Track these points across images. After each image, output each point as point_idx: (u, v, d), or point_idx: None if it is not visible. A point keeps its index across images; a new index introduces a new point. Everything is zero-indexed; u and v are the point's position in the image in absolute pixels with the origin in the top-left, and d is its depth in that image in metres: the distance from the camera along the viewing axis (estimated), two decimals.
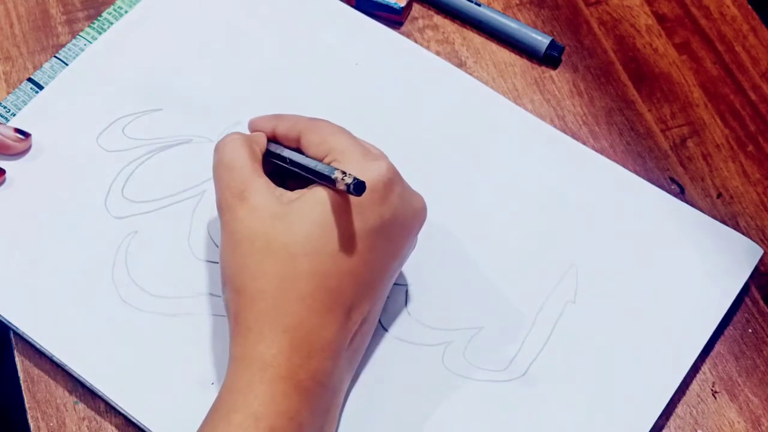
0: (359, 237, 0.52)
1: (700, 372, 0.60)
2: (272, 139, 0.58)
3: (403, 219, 0.54)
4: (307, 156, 0.55)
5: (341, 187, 0.50)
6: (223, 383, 0.51)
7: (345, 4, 0.71)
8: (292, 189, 0.55)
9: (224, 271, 0.53)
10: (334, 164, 0.53)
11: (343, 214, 0.52)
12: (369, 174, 0.52)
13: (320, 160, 0.54)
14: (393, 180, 0.53)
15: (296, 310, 0.51)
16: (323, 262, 0.51)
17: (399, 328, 0.59)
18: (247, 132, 0.59)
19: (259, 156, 0.56)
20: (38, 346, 0.57)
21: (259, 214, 0.52)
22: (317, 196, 0.52)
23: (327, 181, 0.51)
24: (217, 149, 0.56)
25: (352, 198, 0.51)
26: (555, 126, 0.68)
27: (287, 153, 0.56)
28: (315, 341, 0.51)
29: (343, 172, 0.50)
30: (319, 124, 0.56)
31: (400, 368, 0.58)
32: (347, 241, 0.52)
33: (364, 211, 0.52)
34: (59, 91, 0.66)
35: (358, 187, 0.50)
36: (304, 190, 0.53)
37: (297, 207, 0.52)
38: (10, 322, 0.58)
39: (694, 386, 0.60)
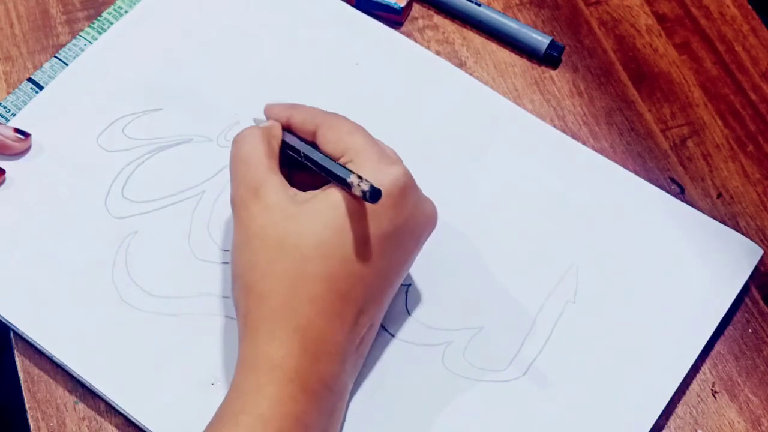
0: (372, 242, 0.51)
1: (700, 372, 0.60)
2: (287, 128, 0.57)
3: (414, 225, 0.54)
4: (322, 153, 0.54)
5: (357, 192, 0.50)
6: (231, 383, 0.51)
7: (345, 3, 0.71)
8: (302, 179, 0.55)
9: (235, 268, 0.53)
10: (349, 165, 0.53)
11: (357, 218, 0.51)
12: (385, 178, 0.52)
13: (335, 159, 0.53)
14: (408, 186, 0.53)
15: (306, 311, 0.51)
16: (334, 266, 0.51)
17: (399, 328, 0.59)
18: (250, 125, 0.59)
19: (276, 151, 0.55)
20: (38, 346, 0.57)
21: (272, 213, 0.52)
22: (331, 198, 0.51)
23: (342, 183, 0.51)
24: (235, 143, 0.55)
25: (367, 203, 0.51)
26: (555, 126, 0.68)
27: (302, 147, 0.55)
28: (324, 344, 0.51)
29: (360, 177, 0.50)
30: (337, 120, 0.56)
31: (400, 368, 0.58)
32: (360, 245, 0.51)
33: (377, 216, 0.52)
34: (59, 91, 0.66)
35: (374, 195, 0.49)
36: (319, 191, 0.53)
37: (310, 208, 0.52)
38: (10, 322, 0.58)
39: (694, 386, 0.60)
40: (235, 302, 0.53)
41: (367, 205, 0.51)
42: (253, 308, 0.51)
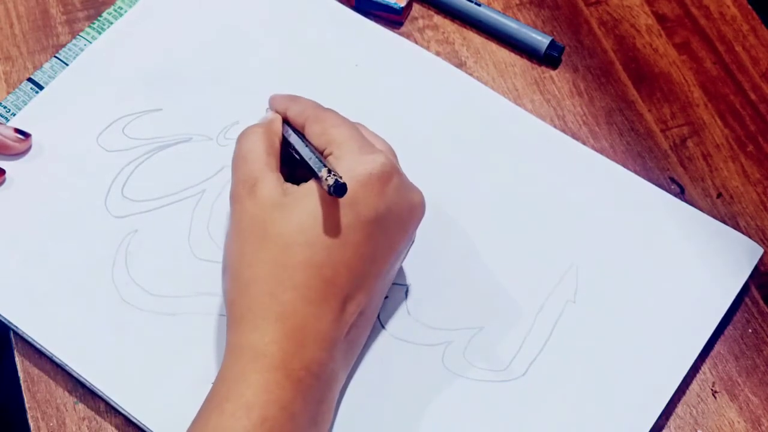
0: (353, 228, 0.52)
1: (700, 372, 0.60)
2: (285, 120, 0.58)
3: (398, 212, 0.54)
4: (308, 145, 0.55)
5: (324, 187, 0.51)
6: (218, 373, 0.51)
7: (344, 5, 0.71)
8: (301, 173, 0.55)
9: (225, 260, 0.55)
10: (330, 158, 0.54)
11: (336, 206, 0.52)
12: (363, 167, 0.53)
13: (321, 151, 0.55)
14: (388, 173, 0.53)
15: (290, 298, 0.51)
16: (317, 252, 0.52)
17: (399, 327, 0.59)
18: (254, 123, 0.59)
19: (277, 148, 0.57)
20: (38, 346, 0.57)
21: (262, 206, 0.53)
22: (314, 187, 0.53)
23: (316, 177, 0.52)
24: (238, 140, 0.57)
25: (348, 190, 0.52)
26: (555, 126, 0.68)
27: (293, 140, 0.56)
28: (309, 331, 0.51)
29: (329, 171, 0.51)
30: (324, 114, 0.57)
31: (400, 368, 0.58)
32: (340, 232, 0.52)
33: (358, 203, 0.52)
34: (59, 91, 0.66)
35: (338, 189, 0.50)
36: (305, 183, 0.54)
37: (295, 198, 0.53)
38: (10, 322, 0.58)
39: (694, 386, 0.60)
40: (224, 292, 0.54)
41: (349, 192, 0.51)
42: (238, 297, 0.52)
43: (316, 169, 0.52)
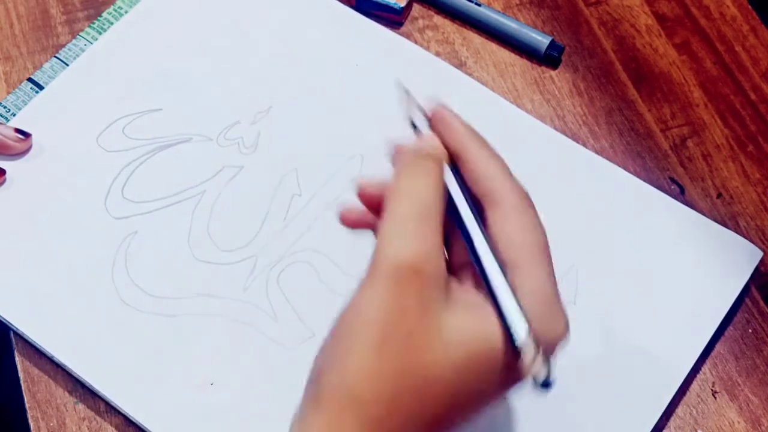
0: (500, 388, 0.43)
1: (700, 372, 0.60)
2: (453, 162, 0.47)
3: None
4: (490, 247, 0.43)
5: (524, 369, 0.41)
6: None
7: (345, 5, 0.71)
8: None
9: (335, 338, 0.43)
10: (509, 276, 0.43)
11: (509, 373, 0.42)
12: (546, 336, 0.42)
13: (496, 256, 0.43)
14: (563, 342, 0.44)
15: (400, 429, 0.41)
16: (458, 402, 0.42)
17: None
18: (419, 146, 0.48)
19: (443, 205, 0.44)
20: (38, 346, 0.57)
21: (422, 307, 0.41)
22: (488, 339, 0.41)
23: (508, 332, 0.41)
24: (402, 172, 0.44)
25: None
26: (555, 126, 0.68)
27: (472, 228, 0.44)
28: None
29: (536, 348, 0.40)
30: (516, 199, 0.46)
31: None
32: (494, 393, 0.43)
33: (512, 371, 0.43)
34: (59, 91, 0.66)
35: (546, 386, 0.41)
36: (479, 312, 0.42)
37: (460, 335, 0.42)
38: (10, 322, 0.58)
39: (694, 386, 0.60)
40: (323, 378, 0.43)
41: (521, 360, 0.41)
42: (346, 408, 0.41)
43: (514, 334, 0.40)
